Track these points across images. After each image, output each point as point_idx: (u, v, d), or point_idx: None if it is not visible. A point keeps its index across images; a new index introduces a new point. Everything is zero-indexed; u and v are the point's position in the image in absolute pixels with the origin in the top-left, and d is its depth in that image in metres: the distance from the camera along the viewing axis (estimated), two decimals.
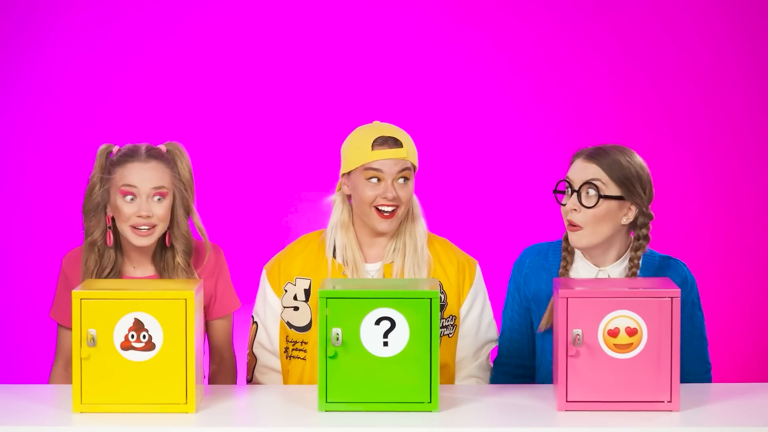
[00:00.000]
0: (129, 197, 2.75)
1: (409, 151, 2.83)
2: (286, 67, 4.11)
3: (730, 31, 4.02)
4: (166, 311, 2.44)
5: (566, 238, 2.82)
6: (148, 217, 2.75)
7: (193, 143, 2.88)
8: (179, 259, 2.82)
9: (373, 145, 2.82)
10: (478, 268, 2.96)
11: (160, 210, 2.76)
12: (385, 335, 2.44)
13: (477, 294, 2.93)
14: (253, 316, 2.96)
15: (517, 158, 4.08)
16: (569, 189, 2.74)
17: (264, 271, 2.95)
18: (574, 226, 2.74)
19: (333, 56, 4.11)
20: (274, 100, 4.16)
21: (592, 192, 2.71)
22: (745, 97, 4.03)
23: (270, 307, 2.92)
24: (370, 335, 2.44)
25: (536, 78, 4.05)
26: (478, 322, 2.93)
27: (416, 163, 2.88)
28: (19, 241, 4.03)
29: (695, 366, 2.83)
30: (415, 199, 2.93)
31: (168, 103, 4.08)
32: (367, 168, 2.82)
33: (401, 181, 2.82)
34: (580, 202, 2.72)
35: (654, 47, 4.02)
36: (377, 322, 2.44)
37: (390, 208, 2.82)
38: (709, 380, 2.89)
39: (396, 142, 2.82)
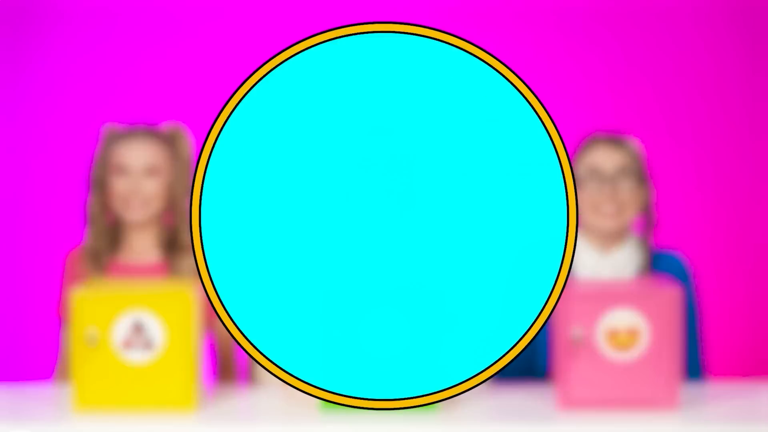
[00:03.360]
0: (120, 175, 2.78)
1: None
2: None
3: (730, 31, 4.01)
4: (166, 310, 2.44)
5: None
6: (138, 193, 2.77)
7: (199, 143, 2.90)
8: (185, 236, 2.83)
9: None
10: None
11: (151, 187, 2.78)
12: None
13: None
14: None
15: None
16: (599, 176, 2.77)
17: None
18: (607, 210, 2.77)
19: None
20: None
21: (628, 175, 2.77)
22: (744, 93, 4.02)
23: None
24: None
25: (534, 77, 4.04)
26: None
27: None
28: (21, 239, 4.02)
29: (687, 368, 2.82)
30: None
31: (173, 101, 4.06)
32: None
33: None
34: (616, 186, 2.76)
35: (653, 46, 4.01)
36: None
37: None
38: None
39: None
